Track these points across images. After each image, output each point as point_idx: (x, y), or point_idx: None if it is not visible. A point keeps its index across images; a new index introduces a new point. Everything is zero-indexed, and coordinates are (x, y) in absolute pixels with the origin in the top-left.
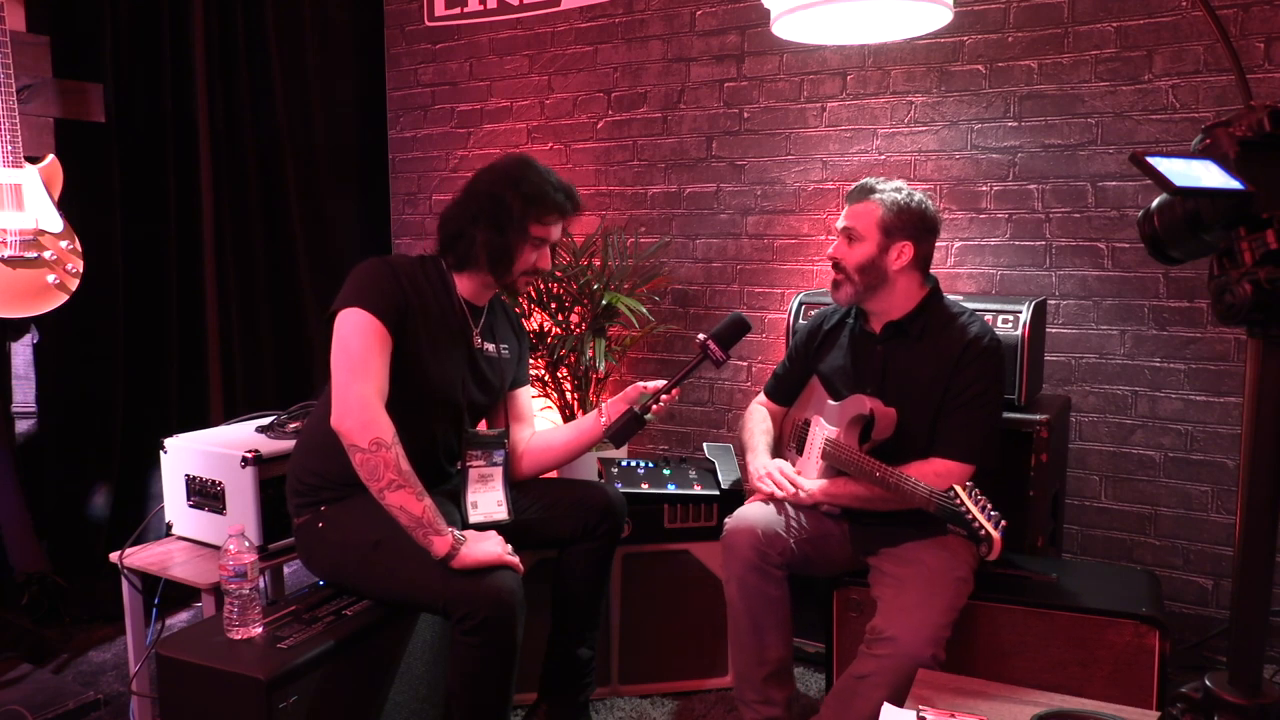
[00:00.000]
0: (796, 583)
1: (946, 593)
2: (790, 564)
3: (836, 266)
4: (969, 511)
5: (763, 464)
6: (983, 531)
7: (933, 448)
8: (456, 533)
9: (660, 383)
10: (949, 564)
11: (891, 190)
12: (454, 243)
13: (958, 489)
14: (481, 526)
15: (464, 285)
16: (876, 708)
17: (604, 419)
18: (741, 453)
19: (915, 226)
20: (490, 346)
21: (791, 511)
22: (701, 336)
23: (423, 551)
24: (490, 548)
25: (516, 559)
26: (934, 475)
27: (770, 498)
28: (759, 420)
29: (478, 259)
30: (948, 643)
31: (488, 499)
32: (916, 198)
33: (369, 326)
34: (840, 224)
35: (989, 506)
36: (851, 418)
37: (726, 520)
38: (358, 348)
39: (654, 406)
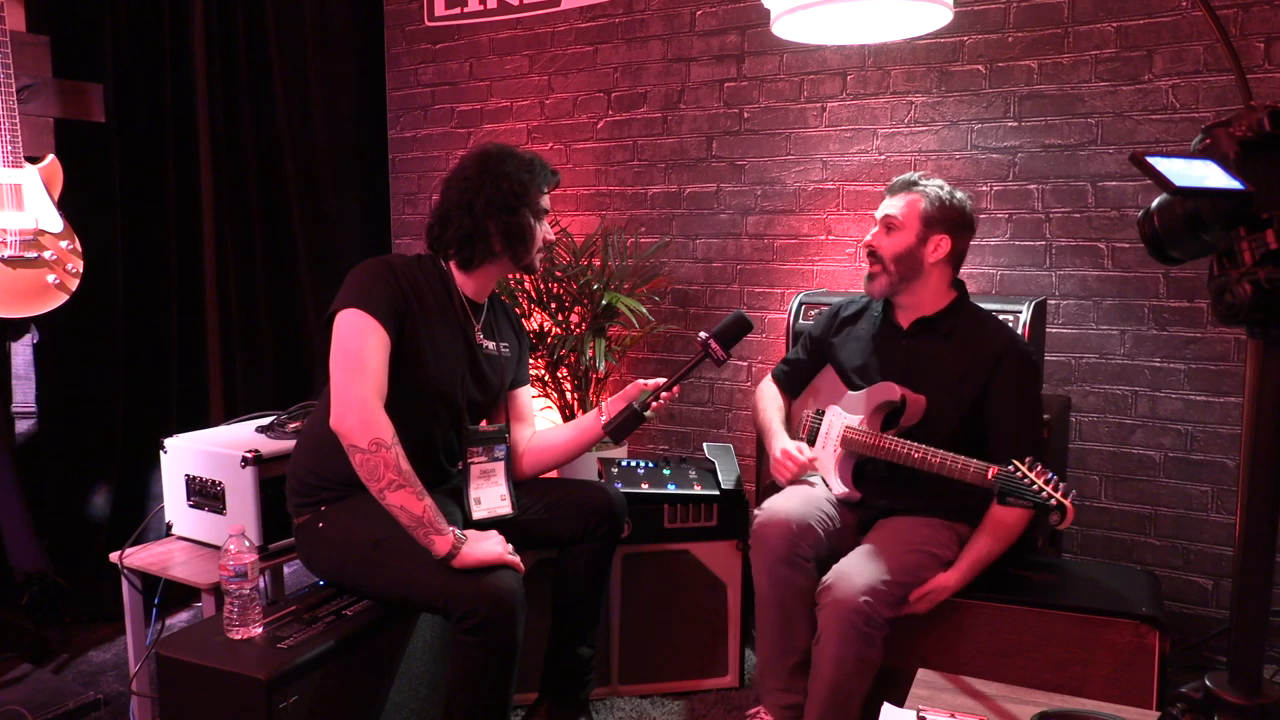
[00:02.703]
0: None
1: (902, 558)
2: (819, 555)
3: (873, 256)
4: (1033, 483)
5: (779, 446)
6: (1053, 501)
7: (1007, 456)
8: (457, 532)
9: (661, 380)
10: (925, 539)
11: (934, 185)
12: (467, 243)
13: (1017, 463)
14: (485, 523)
15: (466, 283)
16: (834, 666)
17: (604, 417)
18: (761, 434)
19: (954, 221)
20: (490, 344)
21: (821, 502)
22: (703, 335)
23: (423, 551)
24: (491, 547)
25: (517, 558)
26: None
27: (794, 478)
28: (770, 399)
29: (495, 250)
30: (948, 642)
31: (491, 494)
32: (958, 195)
33: (367, 327)
34: (880, 213)
35: (1055, 477)
36: (877, 404)
37: (757, 511)
38: (356, 349)
39: (653, 404)
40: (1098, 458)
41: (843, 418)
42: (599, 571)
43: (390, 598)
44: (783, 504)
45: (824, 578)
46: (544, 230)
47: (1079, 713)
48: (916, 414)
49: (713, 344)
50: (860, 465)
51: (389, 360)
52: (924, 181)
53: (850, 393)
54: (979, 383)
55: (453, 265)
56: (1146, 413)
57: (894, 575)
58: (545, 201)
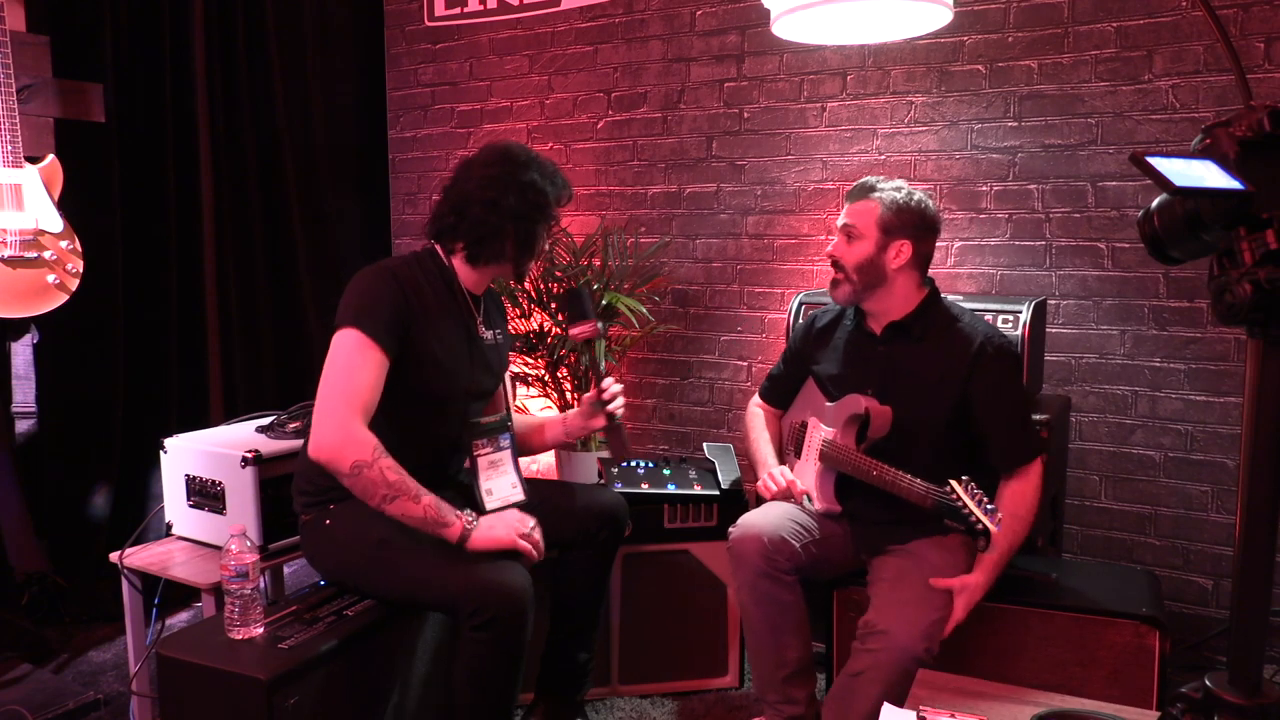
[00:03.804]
0: None
1: (933, 590)
2: (799, 568)
3: (835, 265)
4: (965, 506)
5: (764, 472)
6: (980, 525)
7: (1004, 463)
8: (467, 519)
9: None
10: (948, 561)
11: (891, 189)
12: (483, 241)
13: (954, 484)
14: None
15: (468, 276)
16: (874, 704)
17: (566, 427)
18: (747, 459)
19: (914, 225)
20: (489, 335)
21: (796, 515)
22: (571, 332)
23: (430, 550)
24: (500, 533)
25: (535, 538)
26: (1027, 481)
27: (780, 495)
28: (759, 428)
29: (504, 252)
30: (947, 643)
31: (501, 484)
32: (916, 197)
33: (360, 349)
34: (840, 222)
35: (985, 500)
36: (848, 417)
37: (731, 529)
38: (341, 373)
39: (610, 410)
40: (1098, 458)
41: (821, 431)
42: (599, 576)
43: (397, 597)
44: (756, 519)
45: (868, 618)
46: (547, 240)
47: (1079, 713)
48: (882, 426)
49: (571, 332)
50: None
51: (399, 370)
52: (881, 186)
53: (827, 404)
54: (957, 384)
55: (456, 259)
56: (1146, 413)
57: (940, 611)
58: (556, 214)
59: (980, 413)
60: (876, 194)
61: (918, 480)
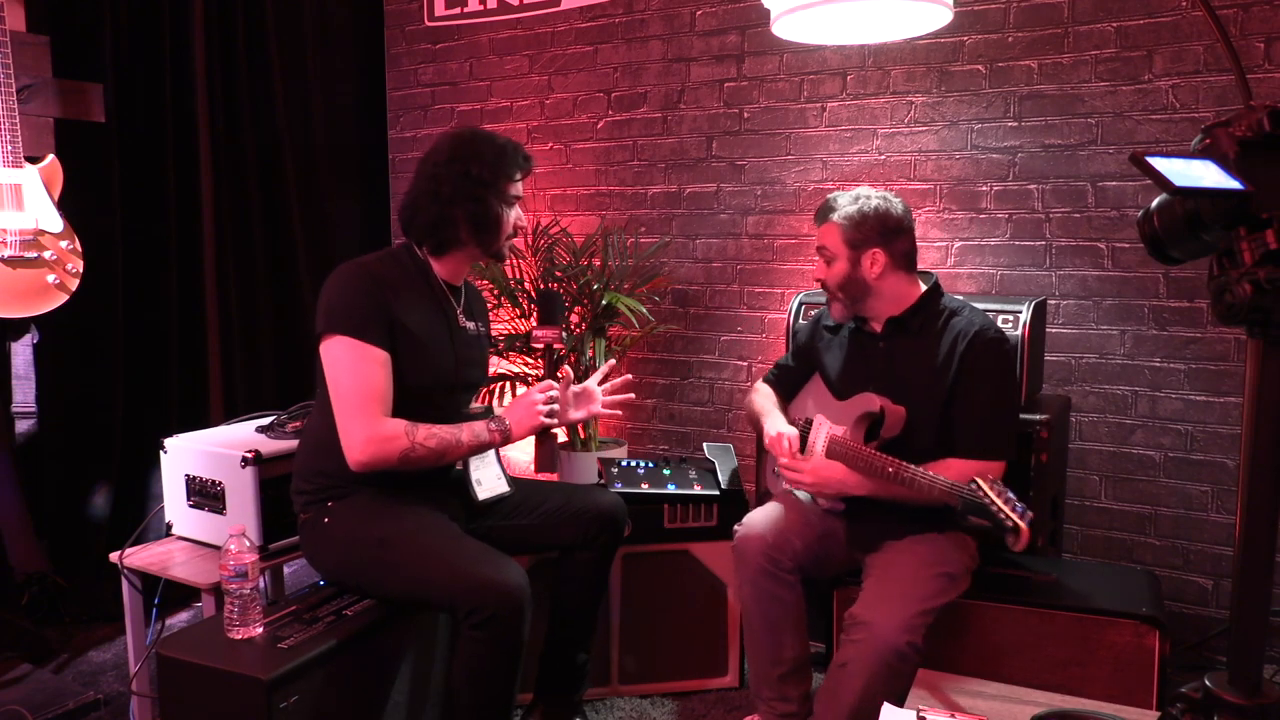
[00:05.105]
0: None
1: (928, 584)
2: (802, 566)
3: (823, 286)
4: (993, 503)
5: (777, 427)
6: (1009, 523)
7: (955, 449)
8: (493, 425)
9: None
10: (937, 558)
11: (847, 204)
12: (435, 230)
13: (979, 481)
14: (489, 502)
15: (442, 268)
16: (859, 695)
17: (507, 422)
18: (755, 423)
19: (879, 233)
20: (471, 325)
21: (799, 513)
22: (535, 333)
23: (428, 549)
24: (531, 424)
25: (553, 408)
26: (960, 476)
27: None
28: (765, 394)
29: (461, 239)
30: (948, 643)
31: (489, 474)
32: (873, 204)
33: (359, 353)
34: (816, 245)
35: (1013, 497)
36: (859, 415)
37: (736, 528)
38: (349, 380)
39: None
40: (1098, 458)
41: (829, 428)
42: (598, 578)
43: (396, 595)
44: (759, 518)
45: (853, 610)
46: (514, 216)
47: (1079, 713)
48: (896, 425)
49: (539, 335)
50: None
51: (390, 370)
52: (837, 204)
53: (836, 401)
54: (949, 376)
55: (425, 250)
56: (1146, 413)
57: (926, 604)
58: (516, 189)
59: (955, 401)
60: (834, 214)
61: (940, 477)
